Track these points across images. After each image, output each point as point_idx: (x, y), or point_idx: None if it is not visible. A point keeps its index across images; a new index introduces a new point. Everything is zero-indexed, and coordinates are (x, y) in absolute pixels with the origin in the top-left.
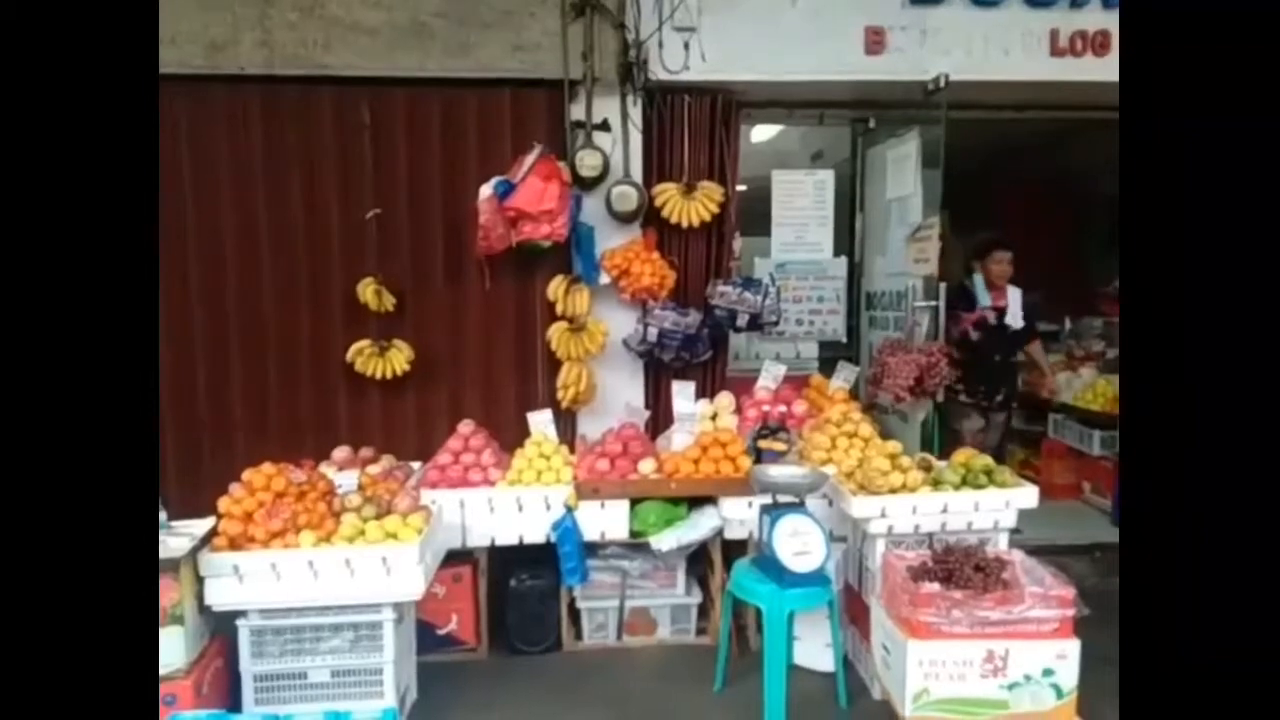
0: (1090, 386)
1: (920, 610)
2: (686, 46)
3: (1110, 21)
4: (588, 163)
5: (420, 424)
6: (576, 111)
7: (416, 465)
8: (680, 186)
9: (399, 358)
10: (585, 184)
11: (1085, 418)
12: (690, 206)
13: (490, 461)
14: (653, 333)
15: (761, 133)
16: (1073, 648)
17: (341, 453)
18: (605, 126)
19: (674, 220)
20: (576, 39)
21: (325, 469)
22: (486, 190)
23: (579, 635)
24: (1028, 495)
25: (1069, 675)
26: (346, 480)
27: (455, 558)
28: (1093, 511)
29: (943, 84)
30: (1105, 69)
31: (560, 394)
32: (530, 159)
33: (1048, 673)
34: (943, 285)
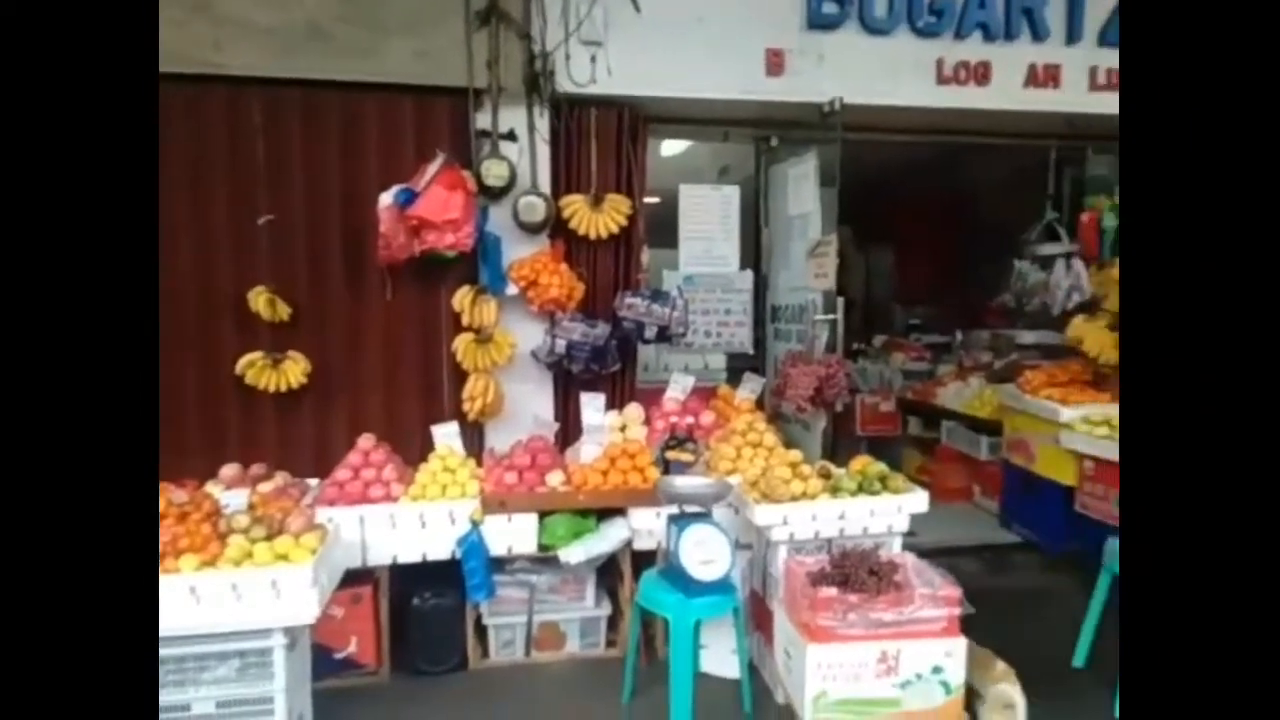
0: (978, 395)
1: (819, 614)
2: (593, 60)
3: (990, 53)
4: (494, 172)
5: (318, 439)
6: (482, 121)
7: (314, 482)
8: (588, 198)
9: (294, 370)
10: (491, 194)
11: (974, 425)
12: (598, 218)
13: (392, 476)
14: (561, 344)
15: (671, 147)
16: (959, 645)
17: (230, 470)
18: (512, 137)
19: (582, 232)
20: (482, 48)
21: (212, 488)
22: (387, 198)
23: (486, 653)
24: (919, 500)
25: (956, 672)
26: (235, 499)
27: (355, 577)
28: (982, 514)
29: (837, 107)
30: (986, 97)
31: (467, 406)
32: (433, 167)
33: (937, 670)
34: (840, 300)
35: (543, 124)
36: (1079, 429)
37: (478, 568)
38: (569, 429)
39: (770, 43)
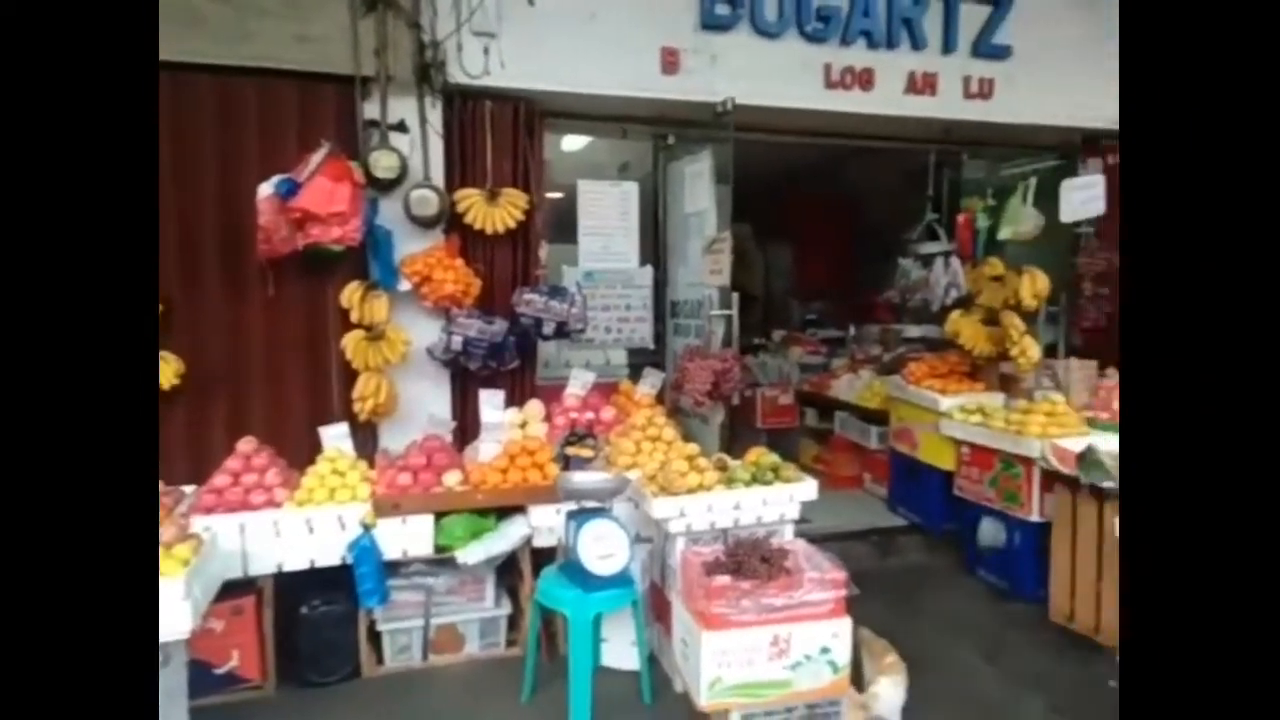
0: (868, 386)
1: (713, 602)
2: (486, 52)
3: (873, 60)
4: (383, 164)
5: (193, 444)
6: (371, 110)
7: (189, 489)
8: (484, 193)
9: (165, 371)
10: (381, 186)
11: (865, 415)
12: (495, 213)
13: (275, 481)
14: (457, 341)
15: (573, 142)
16: (845, 626)
17: None
18: (403, 127)
19: (478, 226)
20: (369, 34)
21: None
22: (266, 189)
23: (380, 660)
24: (808, 489)
25: (843, 651)
26: None
27: (235, 589)
28: (873, 499)
29: (729, 107)
30: (870, 102)
31: (358, 406)
32: (317, 157)
33: (825, 650)
34: (735, 295)
35: (435, 115)
36: (956, 417)
37: (370, 573)
38: (467, 427)
39: (665, 41)
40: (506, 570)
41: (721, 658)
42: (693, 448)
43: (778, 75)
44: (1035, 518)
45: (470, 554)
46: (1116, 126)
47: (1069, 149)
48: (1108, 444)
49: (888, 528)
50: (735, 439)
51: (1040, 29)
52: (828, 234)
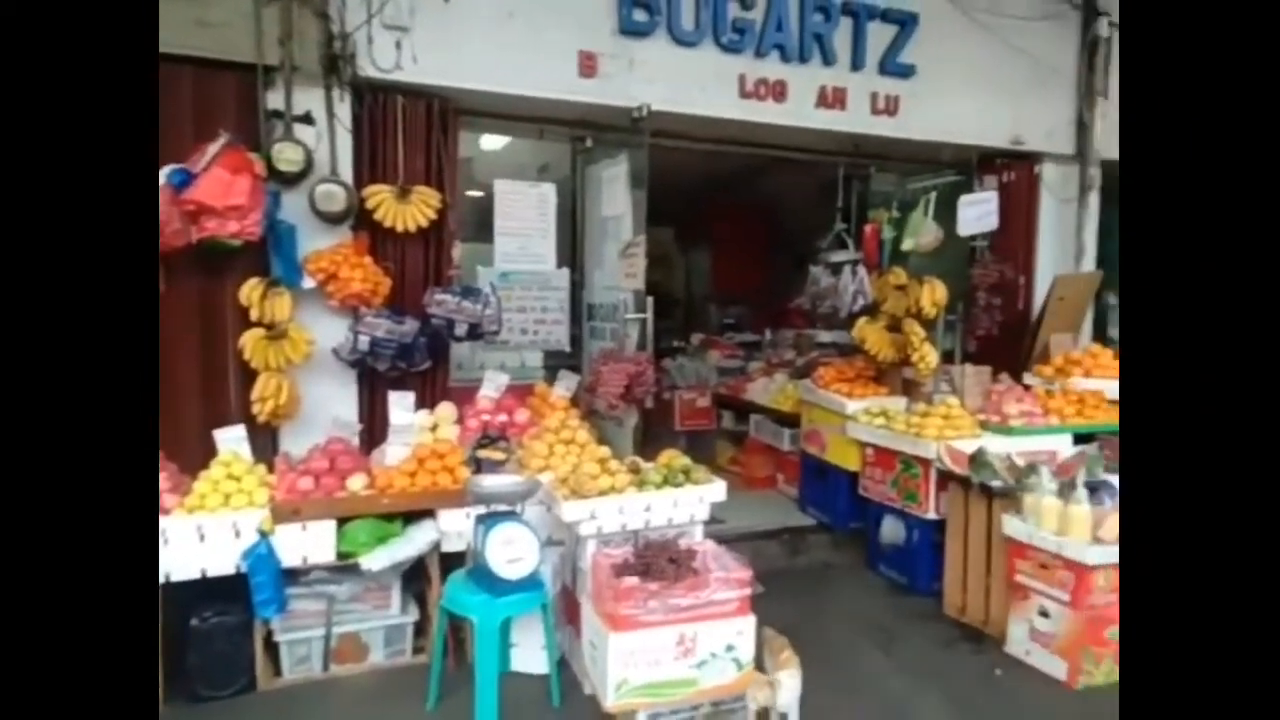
0: (781, 390)
1: (621, 604)
2: (399, 46)
3: (786, 73)
4: (286, 157)
5: None
6: (274, 101)
7: None
8: (395, 190)
9: None
10: (285, 179)
11: (779, 418)
12: (406, 211)
13: (165, 487)
14: (364, 341)
15: (494, 141)
16: (749, 624)
17: None
18: (309, 120)
19: (388, 224)
20: (273, 22)
21: None
22: (159, 179)
23: (278, 671)
24: (717, 490)
25: (747, 648)
26: None
27: None
28: (785, 500)
29: (645, 113)
30: (784, 114)
31: (256, 408)
32: (214, 148)
33: (730, 648)
34: (650, 299)
35: (344, 109)
36: (861, 420)
37: (266, 581)
38: (375, 430)
39: (583, 45)
40: (414, 576)
41: (628, 658)
42: (605, 451)
43: (694, 83)
44: (932, 515)
45: (375, 560)
46: (1009, 145)
47: (966, 166)
48: (997, 446)
49: (798, 527)
50: (654, 441)
51: (942, 51)
52: (747, 240)
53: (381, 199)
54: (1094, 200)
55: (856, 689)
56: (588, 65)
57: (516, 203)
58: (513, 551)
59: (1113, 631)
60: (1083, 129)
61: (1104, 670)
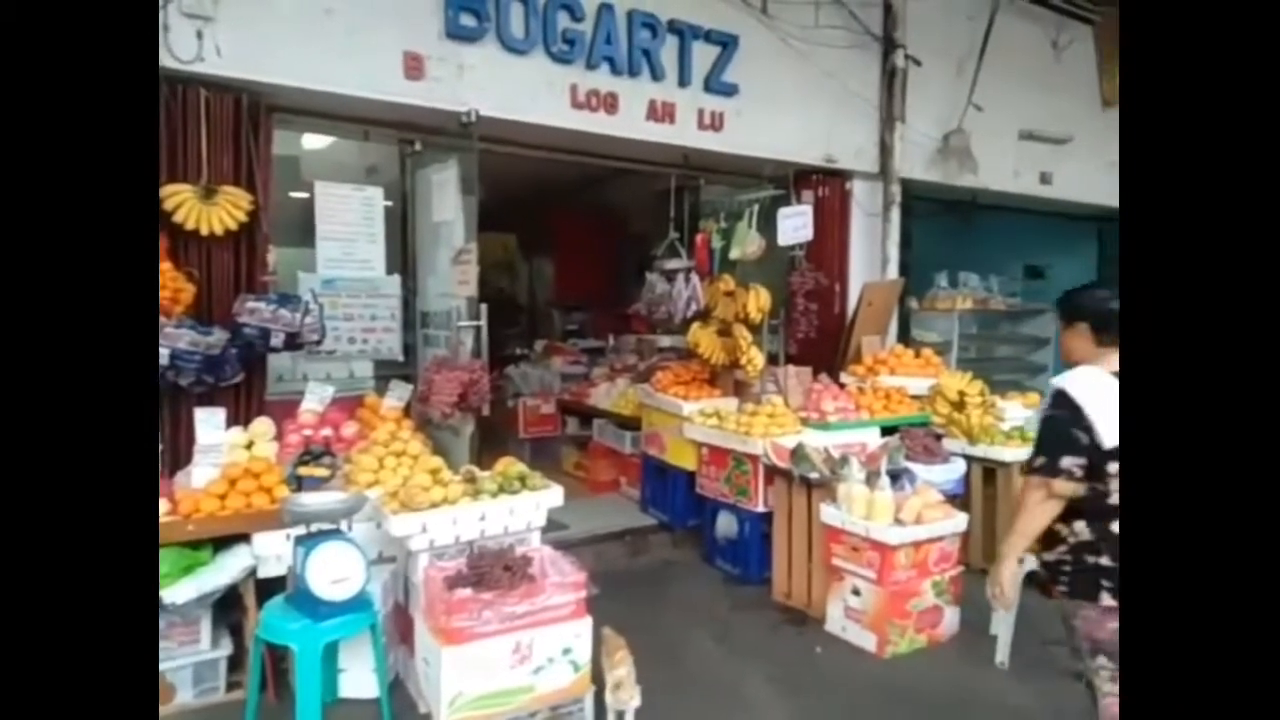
0: (623, 394)
1: (454, 617)
2: (200, 36)
3: (617, 85)
4: None
5: None
6: None
7: None
8: (198, 189)
9: None
10: None
11: (621, 422)
12: (211, 212)
13: None
14: (164, 353)
15: (318, 141)
16: (586, 625)
17: None
18: None
19: (191, 226)
20: None
21: None
22: None
23: None
24: (554, 496)
25: (583, 650)
26: None
27: None
28: (628, 502)
29: (474, 118)
30: (615, 125)
31: None
32: None
33: (566, 651)
34: (484, 306)
35: None
36: (696, 421)
37: None
38: (180, 450)
39: (409, 46)
40: (228, 606)
41: (463, 671)
42: (437, 461)
43: (525, 91)
44: (761, 508)
45: (179, 592)
46: (823, 163)
47: (785, 181)
48: (816, 440)
49: (640, 528)
50: (497, 450)
51: (762, 73)
52: (590, 247)
53: (182, 199)
54: (895, 214)
55: (690, 678)
56: (414, 67)
57: (340, 206)
58: (336, 571)
59: (913, 604)
60: (885, 150)
61: (907, 639)
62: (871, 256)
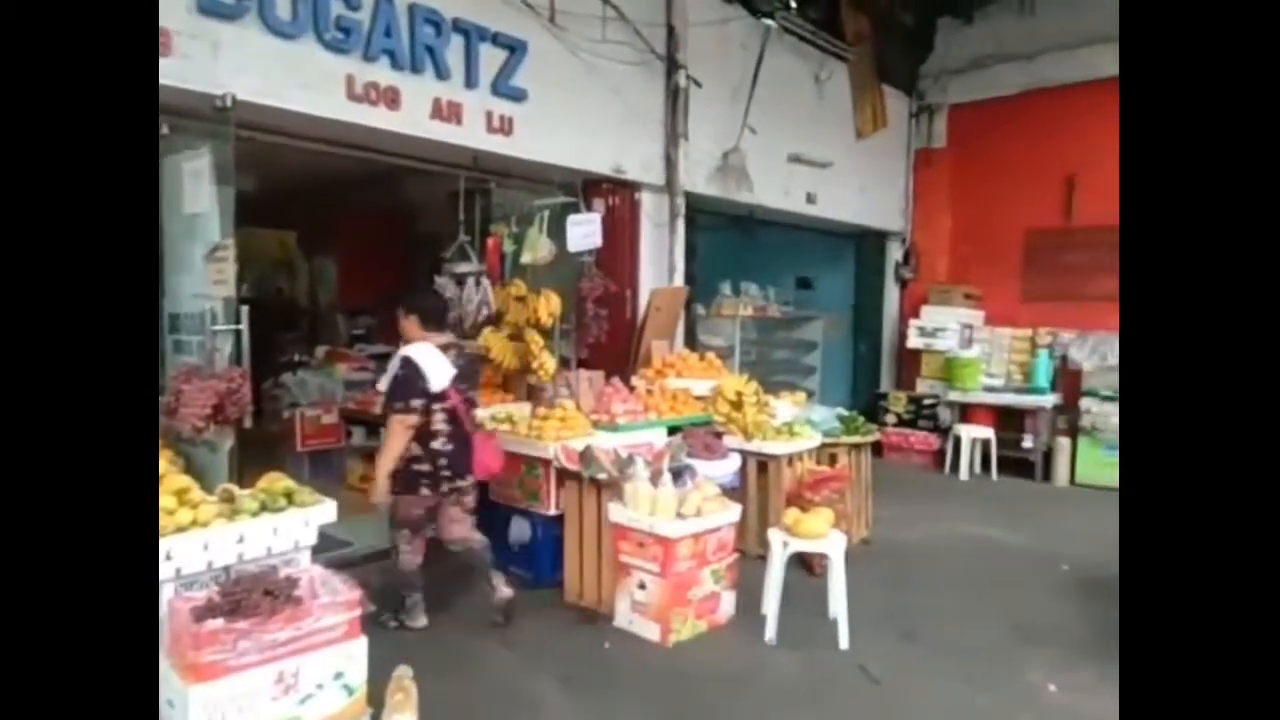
0: None
1: (203, 651)
2: None
3: (398, 80)
4: None
5: None
6: None
7: None
8: None
9: None
10: None
11: None
12: None
13: None
14: None
15: None
16: (360, 646)
17: None
18: None
19: None
20: None
21: None
22: None
23: None
24: (326, 511)
25: (358, 672)
26: None
27: None
28: None
29: (230, 103)
30: (397, 121)
31: None
32: None
33: (338, 675)
34: (245, 308)
35: None
36: (489, 426)
37: None
38: None
39: None
40: None
41: (214, 711)
42: (184, 480)
43: (294, 78)
44: (553, 512)
45: None
46: (612, 173)
47: (575, 188)
48: (606, 442)
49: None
50: (272, 465)
51: (551, 81)
52: (377, 247)
53: None
54: (680, 226)
55: (479, 688)
56: (160, 42)
57: None
58: None
59: (693, 592)
60: (670, 164)
61: (689, 626)
62: (660, 265)
